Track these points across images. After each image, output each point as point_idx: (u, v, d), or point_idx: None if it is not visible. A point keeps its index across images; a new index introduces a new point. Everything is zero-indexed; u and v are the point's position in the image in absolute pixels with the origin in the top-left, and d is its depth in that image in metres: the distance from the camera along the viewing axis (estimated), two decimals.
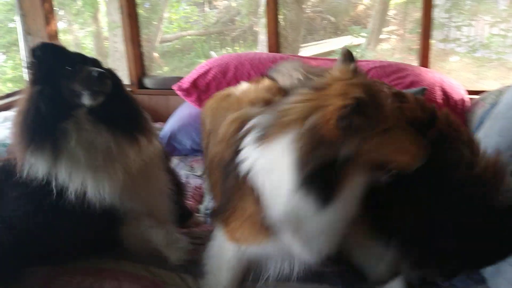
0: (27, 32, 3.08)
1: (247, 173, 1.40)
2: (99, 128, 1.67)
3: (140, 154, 1.77)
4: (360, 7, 5.82)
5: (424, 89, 2.66)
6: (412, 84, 2.72)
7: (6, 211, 1.70)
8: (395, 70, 2.83)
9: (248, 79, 2.78)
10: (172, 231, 1.87)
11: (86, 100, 1.62)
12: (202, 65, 3.10)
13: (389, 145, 1.28)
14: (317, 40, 5.75)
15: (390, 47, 5.19)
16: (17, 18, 3.11)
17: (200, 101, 3.00)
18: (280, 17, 4.06)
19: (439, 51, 4.65)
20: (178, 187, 2.16)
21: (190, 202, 2.41)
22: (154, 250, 1.81)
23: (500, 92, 2.46)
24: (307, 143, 1.25)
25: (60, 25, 4.82)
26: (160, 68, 5.32)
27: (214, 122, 1.91)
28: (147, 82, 3.49)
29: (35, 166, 1.62)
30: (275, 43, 3.27)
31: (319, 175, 1.26)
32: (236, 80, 2.89)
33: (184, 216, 2.13)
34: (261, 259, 1.57)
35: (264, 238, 1.42)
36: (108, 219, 1.76)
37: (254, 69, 2.94)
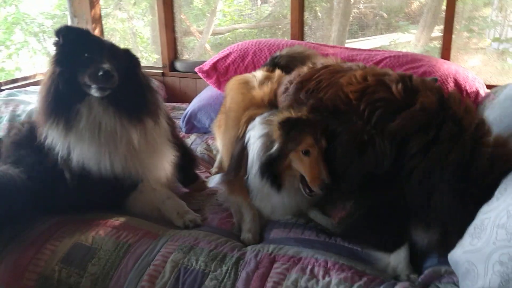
0: (73, 15, 3.41)
1: (246, 143, 2.00)
2: (108, 111, 1.89)
3: (145, 135, 1.99)
4: (415, 4, 5.66)
5: (435, 79, 2.61)
6: (424, 74, 2.69)
7: (30, 164, 1.98)
8: (410, 61, 2.80)
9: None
10: (183, 204, 2.06)
11: (94, 92, 1.84)
12: (224, 49, 3.26)
13: (299, 163, 1.79)
14: (368, 36, 5.68)
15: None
16: (67, 2, 3.46)
17: (219, 83, 3.17)
18: (317, 8, 4.13)
19: (492, 51, 4.42)
20: (189, 157, 2.43)
21: (201, 172, 2.64)
22: (160, 216, 2.02)
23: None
24: (265, 140, 1.87)
25: (119, 14, 5.20)
26: None
27: (230, 101, 2.41)
28: (178, 65, 3.72)
29: (50, 136, 1.89)
30: (298, 32, 3.34)
31: (269, 167, 1.82)
32: (253, 65, 3.03)
33: (190, 179, 2.38)
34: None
35: (247, 196, 1.99)
36: (115, 186, 1.97)
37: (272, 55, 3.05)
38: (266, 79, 2.38)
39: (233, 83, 2.47)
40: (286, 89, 2.11)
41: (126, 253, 1.75)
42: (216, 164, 2.72)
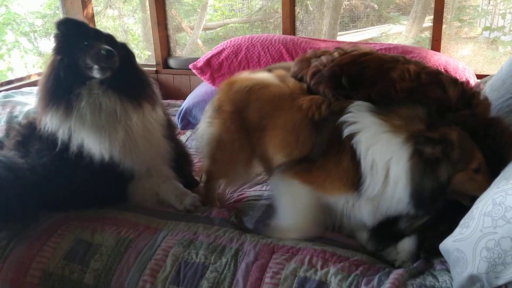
0: (65, 15, 3.42)
1: (352, 134, 1.66)
2: (108, 93, 1.94)
3: (143, 118, 2.03)
4: None
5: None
6: None
7: (32, 158, 2.01)
8: (400, 53, 2.84)
9: (258, 60, 2.95)
10: (180, 185, 2.11)
11: (96, 73, 1.88)
12: (217, 46, 3.29)
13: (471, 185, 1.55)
14: (359, 28, 5.71)
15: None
16: (58, 2, 3.47)
17: (213, 79, 3.20)
18: (308, 2, 4.15)
19: (483, 40, 4.47)
20: (184, 157, 2.41)
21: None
22: (160, 202, 2.08)
23: None
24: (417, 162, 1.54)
25: (110, 12, 5.21)
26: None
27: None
28: (172, 62, 3.75)
29: (51, 122, 1.93)
30: (289, 27, 3.38)
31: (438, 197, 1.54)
32: (246, 61, 3.07)
33: (190, 185, 2.29)
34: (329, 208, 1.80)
35: (348, 191, 1.69)
36: (115, 175, 2.01)
37: (264, 51, 3.09)
38: (281, 76, 2.11)
39: (248, 94, 2.05)
40: (318, 70, 1.95)
41: (127, 248, 1.79)
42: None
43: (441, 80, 1.71)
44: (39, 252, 1.82)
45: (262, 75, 2.13)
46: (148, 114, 2.06)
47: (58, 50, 1.91)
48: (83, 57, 1.87)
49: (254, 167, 2.24)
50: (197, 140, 2.41)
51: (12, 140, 2.18)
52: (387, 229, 1.75)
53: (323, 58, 2.00)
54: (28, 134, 2.12)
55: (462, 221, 1.46)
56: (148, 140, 2.07)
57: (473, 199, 1.49)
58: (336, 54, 2.00)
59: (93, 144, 1.94)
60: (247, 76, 2.15)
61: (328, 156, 1.73)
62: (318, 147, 1.76)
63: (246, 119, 2.02)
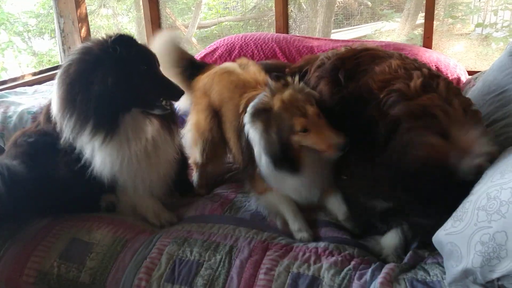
0: (59, 15, 3.42)
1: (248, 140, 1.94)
2: (151, 121, 1.91)
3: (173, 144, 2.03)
4: None
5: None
6: None
7: (40, 170, 1.95)
8: (393, 50, 2.85)
9: (252, 58, 2.96)
10: (158, 202, 2.07)
11: (157, 111, 1.85)
12: (211, 44, 3.30)
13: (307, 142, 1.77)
14: (353, 25, 5.73)
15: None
16: (52, 2, 3.46)
17: None
18: (301, 0, 4.16)
19: (475, 37, 4.50)
20: (182, 161, 2.35)
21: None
22: (136, 214, 2.04)
23: None
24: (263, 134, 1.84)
25: (104, 11, 5.21)
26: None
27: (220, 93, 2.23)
28: None
29: (80, 141, 1.84)
30: (283, 25, 3.39)
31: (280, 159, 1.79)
32: None
33: (185, 189, 2.31)
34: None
35: (268, 190, 1.97)
36: (100, 185, 1.96)
37: (258, 49, 3.11)
38: (243, 64, 2.31)
39: (213, 76, 2.29)
40: (322, 63, 2.11)
41: (123, 248, 1.81)
42: (198, 182, 2.46)
43: (412, 74, 1.81)
44: (34, 252, 1.83)
45: (229, 63, 2.36)
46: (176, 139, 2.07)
47: (112, 71, 1.74)
48: (144, 87, 1.80)
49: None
50: (185, 133, 2.49)
51: (19, 148, 2.05)
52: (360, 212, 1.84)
53: (329, 53, 2.15)
54: (36, 143, 2.03)
55: (454, 214, 1.47)
56: (164, 165, 2.06)
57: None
58: (343, 49, 2.14)
59: (121, 173, 1.91)
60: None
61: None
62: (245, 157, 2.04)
63: (212, 103, 2.22)
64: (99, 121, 1.77)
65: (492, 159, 1.55)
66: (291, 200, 1.96)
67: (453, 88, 1.83)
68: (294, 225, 1.88)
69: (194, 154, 2.37)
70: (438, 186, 1.54)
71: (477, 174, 1.52)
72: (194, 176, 2.44)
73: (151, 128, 1.91)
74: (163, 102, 1.85)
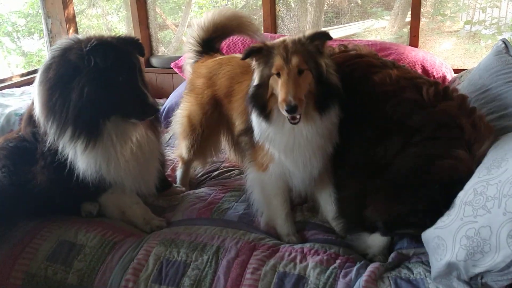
0: (47, 15, 3.40)
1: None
2: (134, 125, 1.89)
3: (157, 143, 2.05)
4: None
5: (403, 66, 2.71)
6: None
7: (21, 175, 1.95)
8: (379, 49, 2.88)
9: None
10: (148, 209, 2.07)
11: (134, 120, 1.85)
12: None
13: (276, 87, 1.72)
14: (343, 24, 5.75)
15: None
16: (39, 2, 3.44)
17: None
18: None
19: (464, 34, 4.53)
20: (163, 163, 2.34)
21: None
22: (125, 220, 2.02)
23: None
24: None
25: (93, 11, 5.17)
26: None
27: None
28: (154, 61, 3.75)
29: (63, 145, 1.81)
30: (271, 24, 3.39)
31: (256, 97, 1.77)
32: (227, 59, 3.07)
33: (163, 186, 2.30)
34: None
35: (269, 163, 1.88)
36: (89, 186, 1.91)
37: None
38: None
39: (220, 61, 2.30)
40: None
41: (111, 250, 1.81)
42: (180, 181, 2.48)
43: (417, 83, 1.80)
44: (22, 254, 1.83)
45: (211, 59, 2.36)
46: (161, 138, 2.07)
47: (88, 81, 1.72)
48: (120, 99, 1.77)
49: (221, 142, 2.43)
50: (173, 124, 2.50)
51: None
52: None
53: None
54: (16, 148, 2.01)
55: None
56: (150, 164, 2.06)
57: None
58: (337, 49, 2.14)
59: (108, 173, 1.89)
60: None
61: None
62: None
63: (216, 86, 2.21)
64: (79, 128, 1.76)
65: None
66: (286, 195, 1.95)
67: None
68: (283, 229, 1.91)
69: (180, 149, 2.37)
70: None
71: None
72: (178, 172, 2.45)
73: (135, 130, 1.90)
74: (135, 117, 1.85)
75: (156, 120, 2.04)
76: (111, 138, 1.83)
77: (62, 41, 1.85)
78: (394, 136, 1.70)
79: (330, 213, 1.93)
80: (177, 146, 2.47)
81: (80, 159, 1.82)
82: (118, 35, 1.87)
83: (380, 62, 2.00)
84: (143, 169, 2.00)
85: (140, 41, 1.94)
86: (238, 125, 2.09)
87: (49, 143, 1.84)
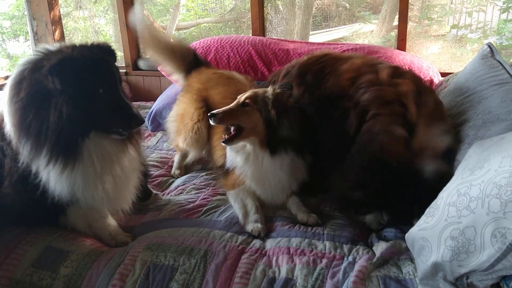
0: (32, 17, 3.36)
1: None
2: (116, 143, 1.82)
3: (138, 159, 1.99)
4: None
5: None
6: None
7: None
8: (367, 53, 2.91)
9: (228, 61, 2.96)
10: (115, 224, 1.99)
11: (114, 136, 1.76)
12: None
13: None
14: (331, 27, 5.77)
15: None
16: (25, 4, 3.41)
17: None
18: (279, 2, 4.17)
19: (451, 38, 4.58)
20: (146, 173, 2.27)
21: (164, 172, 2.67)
22: (91, 233, 1.94)
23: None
24: None
25: (80, 13, 5.13)
26: None
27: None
28: (141, 64, 3.73)
29: (35, 162, 1.71)
30: (259, 28, 3.40)
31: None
32: (216, 62, 3.07)
33: (144, 196, 2.23)
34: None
35: (239, 184, 2.12)
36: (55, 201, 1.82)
37: (234, 52, 3.11)
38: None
39: (219, 75, 2.63)
40: (288, 72, 2.35)
41: (98, 257, 1.79)
42: (176, 165, 2.69)
43: (378, 68, 2.01)
44: (6, 260, 1.79)
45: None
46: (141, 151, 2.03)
47: (66, 101, 1.61)
48: (101, 113, 1.69)
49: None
50: (168, 122, 2.71)
51: None
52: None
53: (293, 62, 2.38)
54: None
55: (427, 211, 1.51)
56: (131, 181, 1.98)
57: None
58: (305, 57, 2.36)
59: (84, 192, 1.79)
60: None
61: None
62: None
63: (207, 98, 2.50)
64: (56, 149, 1.67)
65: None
66: (256, 197, 2.09)
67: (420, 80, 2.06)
68: (252, 216, 1.97)
69: (177, 140, 2.58)
70: (395, 178, 1.68)
71: (435, 177, 1.59)
72: (176, 157, 2.71)
73: (116, 147, 1.82)
74: (120, 129, 1.77)
75: (136, 133, 1.96)
76: (91, 158, 1.74)
77: (30, 57, 1.74)
78: (352, 115, 1.88)
79: (301, 216, 2.02)
80: (174, 139, 2.67)
81: (56, 182, 1.73)
82: (91, 43, 1.77)
83: (346, 56, 2.25)
84: (122, 189, 1.93)
85: (113, 47, 1.83)
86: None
87: (21, 163, 1.73)
